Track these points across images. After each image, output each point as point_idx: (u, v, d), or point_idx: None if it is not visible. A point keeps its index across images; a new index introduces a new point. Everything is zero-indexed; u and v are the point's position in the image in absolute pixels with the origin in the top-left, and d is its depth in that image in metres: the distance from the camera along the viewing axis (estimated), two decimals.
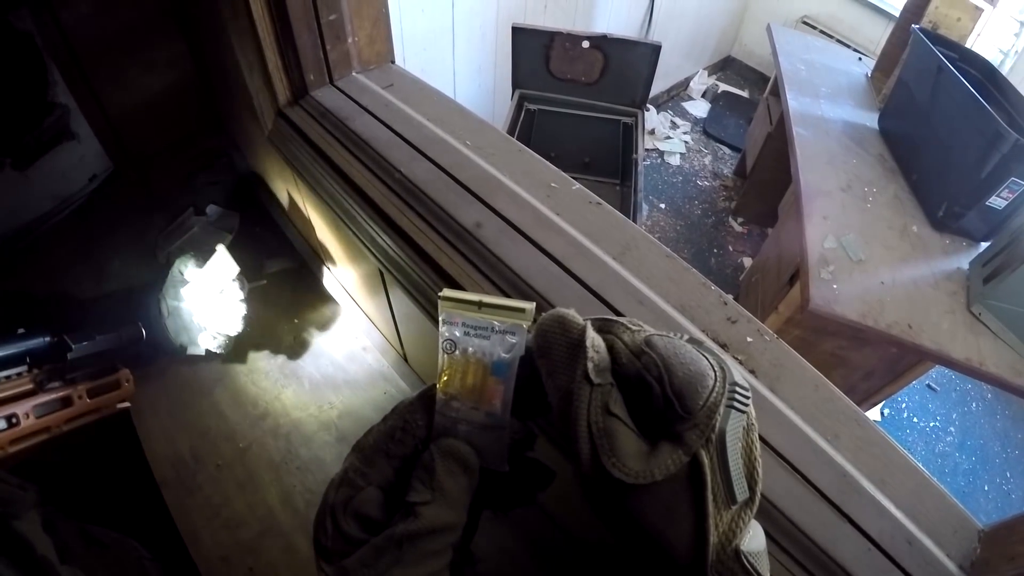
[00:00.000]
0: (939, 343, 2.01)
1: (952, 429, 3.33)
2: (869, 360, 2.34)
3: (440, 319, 0.42)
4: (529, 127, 2.93)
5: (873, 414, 3.18)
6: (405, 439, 0.44)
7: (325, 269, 1.37)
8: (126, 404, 0.93)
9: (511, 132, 2.78)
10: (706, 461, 0.36)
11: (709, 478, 0.37)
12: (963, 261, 2.33)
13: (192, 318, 1.19)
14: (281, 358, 1.31)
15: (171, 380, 1.23)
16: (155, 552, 1.02)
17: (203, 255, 1.38)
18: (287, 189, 1.25)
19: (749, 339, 0.64)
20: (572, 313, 0.39)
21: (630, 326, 0.39)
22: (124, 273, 1.50)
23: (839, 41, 4.78)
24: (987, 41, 4.15)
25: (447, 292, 0.42)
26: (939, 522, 0.63)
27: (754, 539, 0.39)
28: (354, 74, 1.08)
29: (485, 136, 0.89)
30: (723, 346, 0.63)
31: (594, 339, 0.37)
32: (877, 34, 4.32)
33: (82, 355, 0.85)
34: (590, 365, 0.36)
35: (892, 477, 0.63)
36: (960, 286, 2.23)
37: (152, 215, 1.57)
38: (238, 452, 1.21)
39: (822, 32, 4.91)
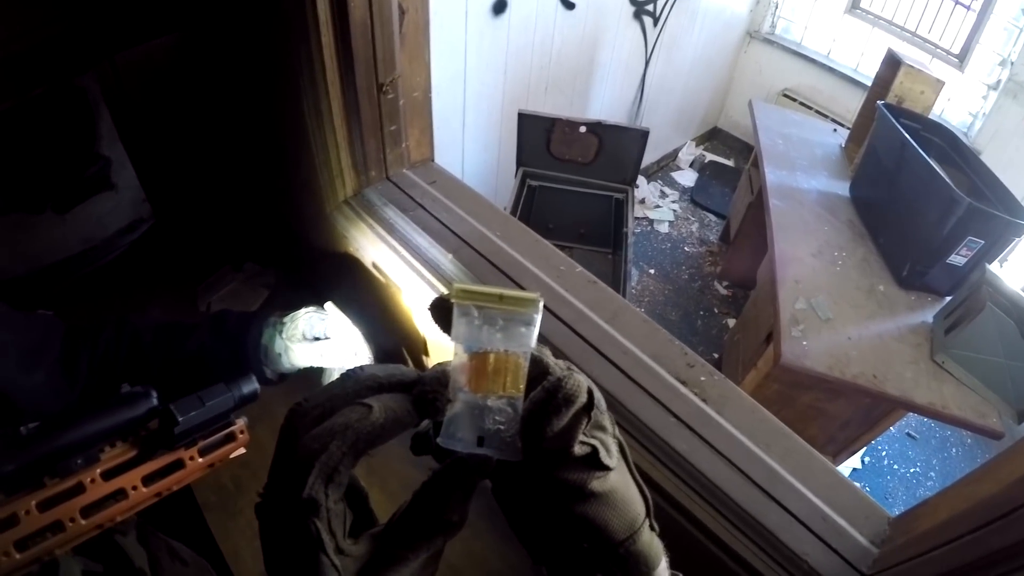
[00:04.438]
0: (903, 390, 2.21)
1: (932, 474, 3.48)
2: (844, 410, 2.51)
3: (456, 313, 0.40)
4: (531, 201, 3.18)
5: (853, 462, 3.34)
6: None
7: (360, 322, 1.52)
8: (241, 451, 0.81)
9: (515, 206, 3.05)
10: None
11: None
12: (928, 315, 2.55)
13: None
14: None
15: None
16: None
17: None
18: (338, 258, 1.43)
19: (702, 378, 0.91)
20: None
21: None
22: (164, 319, 1.54)
23: (818, 112, 5.06)
24: (957, 105, 4.48)
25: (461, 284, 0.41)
26: (852, 509, 0.87)
27: None
28: (404, 170, 1.33)
29: (510, 228, 1.16)
30: (683, 382, 0.89)
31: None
32: (854, 104, 4.41)
33: (190, 426, 0.73)
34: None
35: (812, 475, 0.88)
36: (925, 338, 2.44)
37: (190, 267, 1.68)
38: None
39: (802, 104, 5.17)
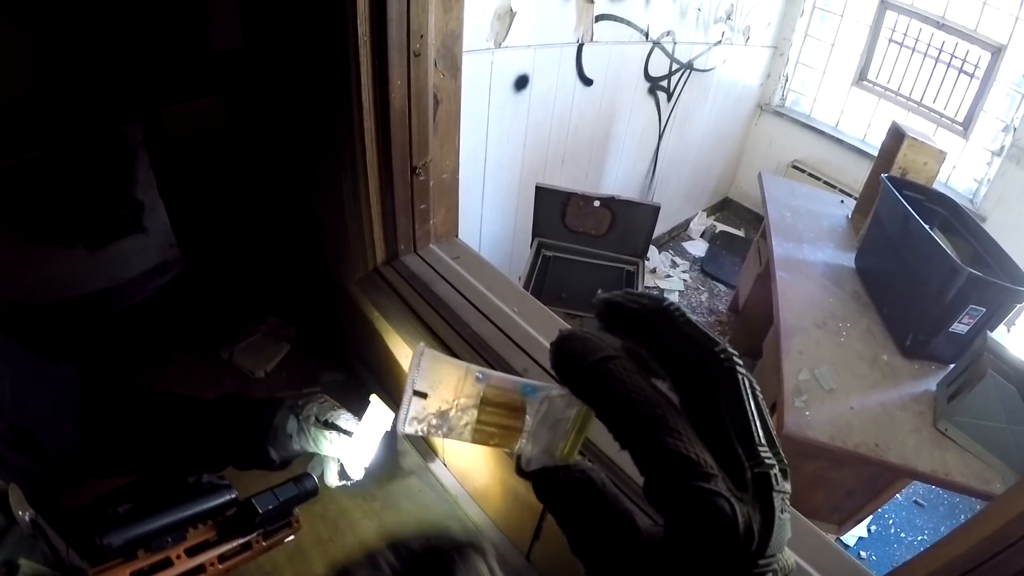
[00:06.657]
0: (905, 458, 2.24)
1: None
2: (849, 479, 2.54)
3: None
4: (545, 270, 3.30)
5: (859, 530, 3.30)
6: None
7: (376, 382, 1.58)
8: (291, 537, 0.95)
9: (530, 275, 3.16)
10: None
11: None
12: (931, 384, 2.58)
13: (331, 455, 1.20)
14: None
15: None
16: None
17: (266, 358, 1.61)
18: (361, 322, 1.48)
19: None
20: None
21: None
22: (186, 363, 1.61)
23: (827, 183, 5.14)
24: (962, 172, 4.57)
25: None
26: (835, 570, 0.94)
27: None
28: (431, 245, 1.44)
29: (526, 304, 1.27)
30: None
31: None
32: (861, 174, 4.36)
33: (267, 517, 0.88)
34: None
35: (798, 538, 0.95)
36: (928, 406, 2.47)
37: (214, 316, 1.72)
38: None
39: (811, 175, 5.26)
